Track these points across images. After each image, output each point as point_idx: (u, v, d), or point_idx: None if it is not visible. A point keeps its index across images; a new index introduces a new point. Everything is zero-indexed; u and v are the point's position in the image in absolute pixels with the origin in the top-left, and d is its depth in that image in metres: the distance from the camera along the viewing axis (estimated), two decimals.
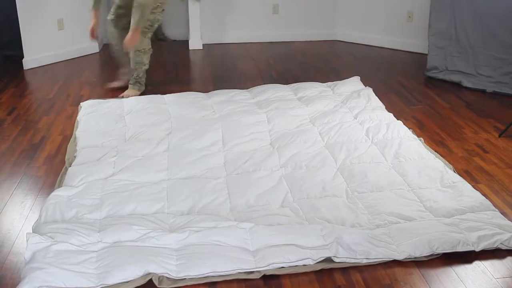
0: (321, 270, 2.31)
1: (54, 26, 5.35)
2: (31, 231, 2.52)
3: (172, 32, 6.40)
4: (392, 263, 2.36)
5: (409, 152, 3.26)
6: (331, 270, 2.32)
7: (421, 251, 2.38)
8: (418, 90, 4.63)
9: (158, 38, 6.37)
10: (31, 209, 2.82)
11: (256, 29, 6.31)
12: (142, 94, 4.46)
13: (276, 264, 2.29)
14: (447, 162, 3.22)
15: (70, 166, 3.17)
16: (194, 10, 5.98)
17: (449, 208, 2.69)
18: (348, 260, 2.34)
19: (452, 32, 4.73)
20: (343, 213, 2.66)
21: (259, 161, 3.17)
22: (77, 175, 2.97)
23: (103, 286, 2.17)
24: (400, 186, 2.92)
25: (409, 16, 5.80)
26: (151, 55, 4.49)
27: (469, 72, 4.67)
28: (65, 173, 3.11)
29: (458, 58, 4.75)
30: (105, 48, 5.70)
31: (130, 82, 4.48)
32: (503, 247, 2.43)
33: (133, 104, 4.03)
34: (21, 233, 2.60)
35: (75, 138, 3.55)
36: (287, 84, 4.57)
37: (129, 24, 4.20)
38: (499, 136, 3.66)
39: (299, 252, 2.33)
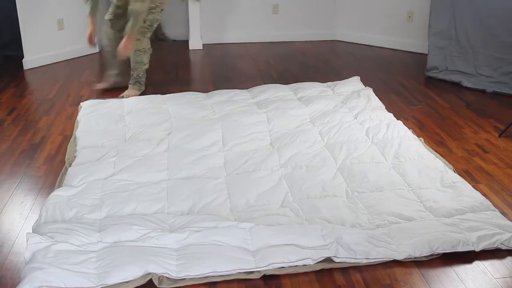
0: (321, 270, 2.31)
1: (54, 26, 5.35)
2: (31, 231, 2.52)
3: (172, 32, 6.40)
4: (392, 263, 2.36)
5: (409, 152, 3.26)
6: (331, 270, 2.32)
7: (421, 251, 2.38)
8: (418, 90, 4.63)
9: (158, 38, 6.37)
10: (31, 209, 2.82)
11: (256, 29, 6.31)
12: (142, 94, 4.46)
13: (276, 264, 2.29)
14: (447, 162, 3.22)
15: (70, 166, 3.17)
16: (194, 10, 5.98)
17: (449, 208, 2.69)
18: (348, 260, 2.34)
19: (452, 32, 4.73)
20: (343, 213, 2.66)
21: (259, 161, 3.17)
22: (77, 175, 2.98)
23: (103, 286, 2.17)
24: (400, 186, 2.92)
25: (409, 16, 5.80)
26: (151, 55, 4.49)
27: (469, 72, 4.67)
28: (65, 173, 3.11)
29: (458, 58, 4.75)
30: None
31: (130, 82, 4.48)
32: (503, 247, 2.43)
33: (133, 104, 4.03)
34: (21, 233, 2.60)
35: (75, 138, 3.55)
36: (287, 84, 4.57)
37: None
38: (499, 136, 3.66)
39: (299, 252, 2.33)
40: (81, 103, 4.14)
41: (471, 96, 4.46)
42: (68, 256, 2.27)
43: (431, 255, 2.39)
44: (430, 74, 4.91)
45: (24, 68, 5.18)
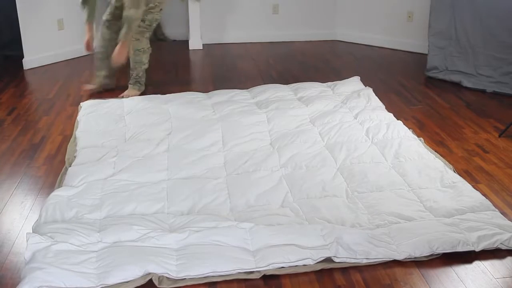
0: (321, 270, 2.31)
1: (54, 26, 5.35)
2: (31, 231, 2.52)
3: (172, 32, 6.40)
4: (392, 263, 2.36)
5: (409, 152, 3.26)
6: (331, 270, 2.32)
7: (421, 251, 2.38)
8: (418, 90, 4.63)
9: (158, 38, 6.37)
10: (31, 209, 2.82)
11: (256, 29, 6.31)
12: (142, 94, 4.46)
13: (276, 264, 2.29)
14: (447, 162, 3.22)
15: (70, 166, 3.17)
16: (194, 10, 5.98)
17: (449, 208, 2.69)
18: (348, 260, 2.34)
19: (452, 32, 4.73)
20: (343, 213, 2.66)
21: (259, 161, 3.17)
22: (77, 175, 2.98)
23: (103, 286, 2.17)
24: (400, 186, 2.92)
25: (409, 16, 5.80)
26: (151, 55, 4.49)
27: (469, 72, 4.67)
28: (65, 173, 3.11)
29: (458, 58, 4.75)
30: None
31: (130, 82, 4.48)
32: (503, 247, 2.43)
33: (133, 104, 4.03)
34: (21, 233, 2.60)
35: (75, 138, 3.55)
36: (287, 84, 4.57)
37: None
38: (499, 136, 3.66)
39: (299, 252, 2.33)
40: (81, 103, 4.14)
41: (471, 96, 4.46)
42: (68, 256, 2.27)
43: (431, 255, 2.39)
44: (430, 74, 4.91)
45: (24, 68, 5.18)
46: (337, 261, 2.33)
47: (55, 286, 2.12)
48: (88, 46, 4.43)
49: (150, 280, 2.21)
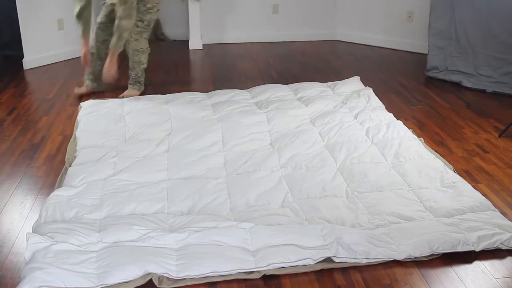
0: (321, 270, 2.31)
1: (54, 26, 5.36)
2: (31, 231, 2.52)
3: (172, 32, 6.40)
4: (392, 263, 2.36)
5: (409, 152, 3.26)
6: (331, 270, 2.32)
7: (421, 251, 2.38)
8: (418, 90, 4.63)
9: (158, 38, 6.38)
10: (31, 209, 2.82)
11: (256, 29, 6.31)
12: (142, 94, 4.46)
13: (276, 264, 2.29)
14: (447, 162, 3.22)
15: (70, 166, 3.17)
16: (194, 10, 5.98)
17: (449, 208, 2.69)
18: (348, 260, 2.34)
19: (452, 32, 4.73)
20: (343, 213, 2.66)
21: (259, 161, 3.17)
22: (77, 175, 2.98)
23: (103, 286, 2.17)
24: (400, 186, 2.92)
25: (409, 16, 5.80)
26: (151, 55, 4.49)
27: (469, 72, 4.67)
28: (65, 173, 3.11)
29: (458, 58, 4.75)
30: None
31: (130, 82, 4.48)
32: (503, 247, 2.43)
33: (133, 104, 4.03)
34: (21, 233, 2.60)
35: (75, 138, 3.55)
36: (287, 84, 4.57)
37: None
38: (499, 136, 3.66)
39: (299, 252, 2.33)
40: (81, 103, 4.14)
41: (471, 96, 4.46)
42: (68, 256, 2.27)
43: (431, 255, 2.39)
44: (430, 74, 4.91)
45: (24, 68, 5.18)
46: (337, 261, 2.33)
47: (55, 286, 2.12)
48: (85, 60, 4.41)
49: (150, 280, 2.21)
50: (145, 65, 4.45)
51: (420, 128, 3.81)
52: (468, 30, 4.63)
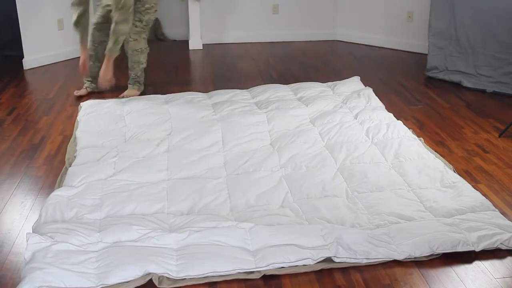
0: (321, 270, 2.31)
1: (54, 26, 5.36)
2: (31, 231, 2.52)
3: (172, 32, 6.40)
4: (392, 263, 2.36)
5: (409, 152, 3.26)
6: (331, 270, 2.32)
7: (421, 251, 2.38)
8: (418, 90, 4.63)
9: (158, 38, 6.38)
10: (31, 209, 2.82)
11: (256, 29, 6.31)
12: (142, 94, 4.47)
13: (276, 264, 2.29)
14: (447, 162, 3.22)
15: (70, 166, 3.17)
16: (194, 10, 5.98)
17: (449, 208, 2.69)
18: (348, 260, 2.34)
19: (452, 32, 4.73)
20: (343, 213, 2.66)
21: (259, 162, 3.17)
22: (77, 175, 2.98)
23: (103, 286, 2.17)
24: (400, 186, 2.92)
25: (409, 16, 5.80)
26: (151, 55, 4.49)
27: (469, 72, 4.67)
28: (65, 173, 3.11)
29: (458, 58, 4.75)
30: None
31: (130, 82, 4.48)
32: (503, 247, 2.43)
33: (133, 104, 4.03)
34: (21, 233, 2.60)
35: (75, 138, 3.55)
36: (287, 84, 4.57)
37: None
38: (499, 136, 3.66)
39: (299, 252, 2.33)
40: (81, 103, 4.14)
41: (471, 96, 4.46)
42: (68, 256, 2.27)
43: (431, 255, 2.39)
44: (430, 74, 4.91)
45: (24, 68, 5.19)
46: (337, 261, 2.33)
47: (55, 286, 2.12)
48: (84, 67, 4.41)
49: (150, 280, 2.21)
50: (144, 65, 4.45)
51: (420, 128, 3.81)
52: (468, 30, 4.63)
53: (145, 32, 4.35)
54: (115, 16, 4.04)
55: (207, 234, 2.43)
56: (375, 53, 5.85)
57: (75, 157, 3.26)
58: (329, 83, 4.54)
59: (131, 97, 4.28)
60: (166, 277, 2.22)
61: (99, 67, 4.31)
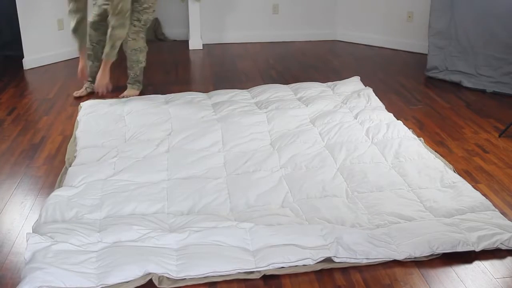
0: (321, 270, 2.31)
1: (54, 26, 5.36)
2: (31, 231, 2.52)
3: (172, 32, 6.40)
4: (392, 263, 2.36)
5: (409, 152, 3.26)
6: (331, 270, 2.32)
7: (421, 251, 2.38)
8: (418, 90, 4.63)
9: (158, 38, 6.38)
10: (31, 209, 2.82)
11: (256, 29, 6.31)
12: (141, 93, 4.47)
13: (276, 264, 2.29)
14: (447, 162, 3.22)
15: (70, 166, 3.17)
16: (194, 10, 5.98)
17: (449, 208, 2.69)
18: (348, 260, 2.34)
19: (452, 32, 4.73)
20: (343, 213, 2.66)
21: (259, 162, 3.17)
22: (77, 176, 2.98)
23: (103, 286, 2.17)
24: (400, 186, 2.92)
25: (409, 16, 5.80)
26: (151, 54, 4.50)
27: (469, 72, 4.67)
28: (65, 173, 3.11)
29: (458, 58, 4.75)
30: None
31: (129, 82, 4.48)
32: (503, 247, 2.43)
33: (133, 104, 4.03)
34: (21, 233, 2.60)
35: (75, 138, 3.55)
36: (287, 84, 4.57)
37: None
38: (499, 136, 3.66)
39: (299, 252, 2.33)
40: (81, 103, 4.14)
41: (471, 96, 4.46)
42: (68, 256, 2.27)
43: (431, 255, 2.39)
44: (430, 74, 4.91)
45: (24, 68, 5.18)
46: (337, 261, 2.33)
47: (55, 286, 2.12)
48: (82, 74, 4.40)
49: (150, 280, 2.21)
50: (143, 64, 4.46)
51: (420, 128, 3.81)
52: (468, 30, 4.63)
53: (143, 31, 4.36)
54: (112, 21, 4.05)
55: (207, 234, 2.43)
56: (375, 53, 5.85)
57: (75, 157, 3.26)
58: (329, 83, 4.54)
59: (131, 97, 4.28)
60: (166, 277, 2.22)
61: (99, 66, 4.31)
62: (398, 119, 3.75)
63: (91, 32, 4.40)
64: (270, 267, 2.29)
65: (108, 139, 3.49)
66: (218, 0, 6.14)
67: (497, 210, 2.69)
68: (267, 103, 4.02)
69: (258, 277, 2.26)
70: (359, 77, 4.65)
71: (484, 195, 2.85)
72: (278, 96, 4.19)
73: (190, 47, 6.06)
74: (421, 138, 3.54)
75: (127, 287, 2.18)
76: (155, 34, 6.34)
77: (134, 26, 4.26)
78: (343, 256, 2.34)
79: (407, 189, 2.90)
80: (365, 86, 4.44)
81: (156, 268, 2.22)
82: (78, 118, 3.87)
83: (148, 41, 4.46)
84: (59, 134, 3.73)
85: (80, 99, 4.37)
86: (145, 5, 4.24)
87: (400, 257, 2.36)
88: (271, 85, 4.51)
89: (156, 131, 3.59)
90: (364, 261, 2.35)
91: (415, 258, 2.38)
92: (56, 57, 5.41)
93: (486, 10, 4.49)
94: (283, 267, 2.30)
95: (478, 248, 2.39)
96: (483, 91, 4.55)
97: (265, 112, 3.83)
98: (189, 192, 2.84)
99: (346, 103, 4.02)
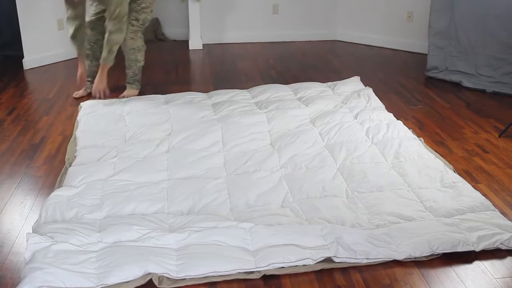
0: (321, 270, 2.31)
1: (54, 26, 5.36)
2: (31, 231, 2.52)
3: (172, 32, 6.40)
4: (392, 263, 2.36)
5: (409, 152, 3.26)
6: (331, 270, 2.32)
7: (421, 251, 2.38)
8: (418, 90, 4.63)
9: (158, 38, 6.38)
10: (31, 209, 2.82)
11: (256, 29, 6.31)
12: (141, 93, 4.47)
13: (276, 264, 2.29)
14: (447, 162, 3.22)
15: (70, 166, 3.17)
16: (194, 10, 5.98)
17: (449, 208, 2.69)
18: (348, 260, 2.34)
19: (452, 32, 4.73)
20: (343, 213, 2.66)
21: (259, 162, 3.17)
22: (77, 176, 2.98)
23: (103, 286, 2.17)
24: (400, 186, 2.92)
25: (409, 16, 5.80)
26: (151, 54, 4.49)
27: (469, 72, 4.67)
28: (65, 173, 3.11)
29: (458, 58, 4.75)
30: None
31: (128, 81, 4.48)
32: (503, 247, 2.43)
33: (133, 104, 4.04)
34: (21, 233, 2.60)
35: (75, 138, 3.55)
36: (287, 84, 4.57)
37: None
38: (499, 136, 3.66)
39: (299, 252, 2.33)
40: (81, 103, 4.14)
41: (471, 96, 4.46)
42: (68, 256, 2.27)
43: (431, 255, 2.39)
44: (430, 74, 4.91)
45: (24, 68, 5.19)
46: (337, 261, 2.33)
47: (55, 286, 2.12)
48: (81, 80, 4.40)
49: (150, 280, 2.21)
50: (142, 63, 4.46)
51: (420, 128, 3.81)
52: (468, 30, 4.63)
53: (141, 31, 4.36)
54: (109, 26, 4.05)
55: (207, 234, 2.43)
56: (375, 53, 5.85)
57: (75, 157, 3.26)
58: (329, 83, 4.54)
59: (131, 97, 4.28)
60: (166, 277, 2.22)
61: (98, 66, 4.31)
62: (398, 119, 3.75)
63: (89, 31, 4.39)
64: (270, 267, 2.29)
65: (108, 139, 3.49)
66: (218, 0, 6.14)
67: (497, 210, 2.69)
68: (267, 103, 4.02)
69: (258, 277, 2.26)
70: (359, 77, 4.65)
71: (484, 195, 2.85)
72: (278, 96, 4.19)
73: (190, 47, 6.06)
74: (421, 138, 3.54)
75: (127, 287, 2.18)
76: (155, 34, 6.34)
77: (132, 25, 4.26)
78: (343, 256, 2.34)
79: (407, 189, 2.90)
80: (365, 86, 4.44)
81: (156, 268, 2.22)
82: (78, 118, 3.87)
83: (148, 41, 4.47)
84: (59, 134, 3.73)
85: (80, 99, 4.37)
86: (143, 5, 4.25)
87: (400, 257, 2.36)
88: (271, 85, 4.51)
89: (156, 131, 3.59)
90: (364, 261, 2.35)
91: (415, 258, 2.38)
92: (56, 57, 5.41)
93: (486, 10, 4.49)
94: (283, 267, 2.30)
95: (478, 248, 2.39)
96: (483, 91, 4.55)
97: (265, 112, 3.83)
98: (189, 192, 2.84)
99: (346, 103, 4.02)
